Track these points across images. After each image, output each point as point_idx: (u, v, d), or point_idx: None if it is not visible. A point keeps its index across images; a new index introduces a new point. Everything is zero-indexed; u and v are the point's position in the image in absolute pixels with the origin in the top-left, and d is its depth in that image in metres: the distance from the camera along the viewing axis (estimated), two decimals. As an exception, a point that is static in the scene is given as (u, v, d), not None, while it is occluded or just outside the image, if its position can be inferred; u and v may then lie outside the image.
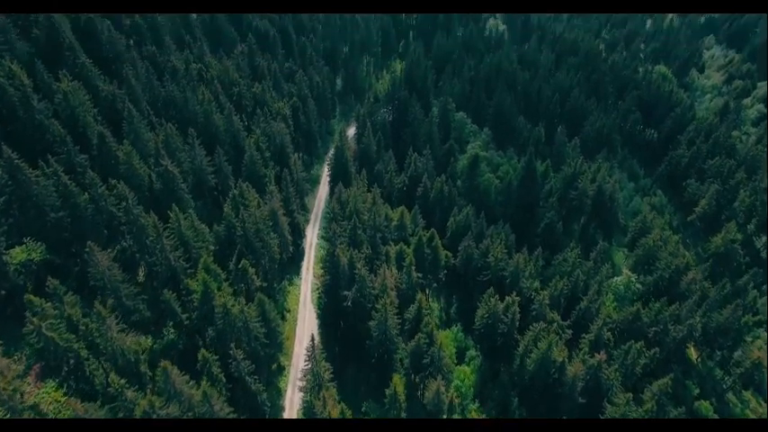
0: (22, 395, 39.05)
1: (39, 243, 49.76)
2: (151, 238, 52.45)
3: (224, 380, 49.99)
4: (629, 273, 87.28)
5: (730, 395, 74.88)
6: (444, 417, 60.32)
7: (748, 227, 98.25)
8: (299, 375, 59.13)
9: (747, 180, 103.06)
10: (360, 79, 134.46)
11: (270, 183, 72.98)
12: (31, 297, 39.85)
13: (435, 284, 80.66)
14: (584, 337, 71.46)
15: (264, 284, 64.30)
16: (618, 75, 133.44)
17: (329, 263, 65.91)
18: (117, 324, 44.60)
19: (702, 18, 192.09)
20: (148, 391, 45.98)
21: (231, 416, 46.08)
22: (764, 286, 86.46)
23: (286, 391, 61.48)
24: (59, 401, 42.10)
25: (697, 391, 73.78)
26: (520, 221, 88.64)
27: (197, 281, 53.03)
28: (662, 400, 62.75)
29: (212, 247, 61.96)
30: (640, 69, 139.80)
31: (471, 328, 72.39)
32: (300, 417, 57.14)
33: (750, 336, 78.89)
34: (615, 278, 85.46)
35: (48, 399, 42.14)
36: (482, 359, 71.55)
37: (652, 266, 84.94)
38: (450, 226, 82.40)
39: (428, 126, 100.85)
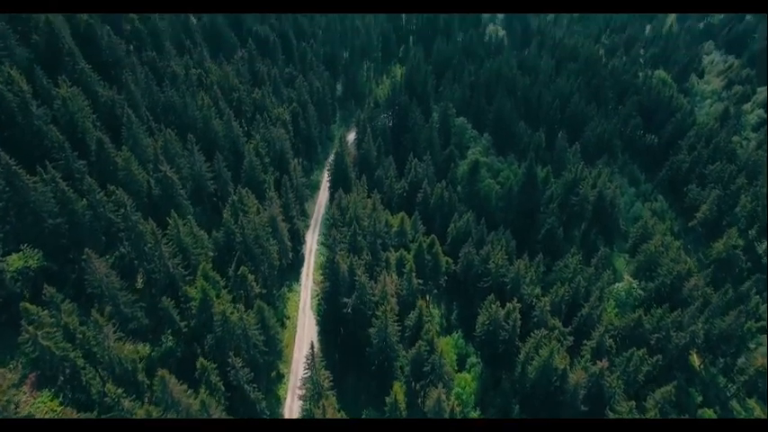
0: (16, 405, 38.53)
1: (36, 250, 49.27)
2: (149, 245, 52.01)
3: (222, 388, 49.38)
4: (631, 279, 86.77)
5: (734, 403, 74.22)
6: (445, 425, 59.54)
7: (750, 232, 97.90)
8: (299, 384, 58.50)
9: (748, 185, 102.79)
10: (360, 84, 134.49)
11: (269, 189, 72.62)
12: (27, 305, 39.32)
13: (436, 291, 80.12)
14: (585, 344, 70.93)
15: (264, 291, 63.76)
16: (618, 80, 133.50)
17: (329, 269, 65.42)
18: (114, 332, 44.06)
19: (701, 24, 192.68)
20: (146, 400, 45.41)
21: (229, 425, 45.37)
22: (765, 293, 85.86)
23: (285, 398, 60.84)
24: (55, 411, 41.50)
25: (700, 398, 73.17)
26: (520, 227, 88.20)
27: (196, 288, 52.58)
28: (665, 407, 62.25)
29: (211, 254, 61.49)
30: (640, 74, 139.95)
31: (472, 335, 71.75)
32: (300, 425, 56.42)
33: (753, 342, 78.20)
34: (616, 284, 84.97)
35: (43, 408, 41.53)
36: (483, 366, 70.88)
37: (653, 272, 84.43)
38: (451, 232, 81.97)
39: (428, 131, 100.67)
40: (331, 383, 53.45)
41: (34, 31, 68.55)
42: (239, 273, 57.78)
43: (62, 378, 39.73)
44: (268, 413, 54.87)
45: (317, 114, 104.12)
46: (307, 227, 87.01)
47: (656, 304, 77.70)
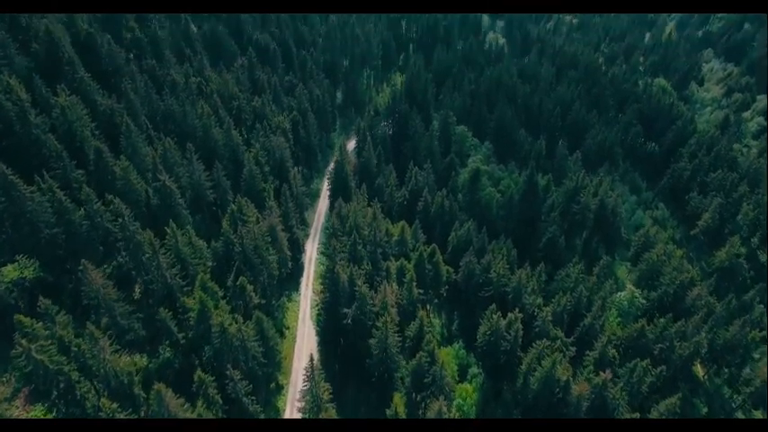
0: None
1: (32, 260, 48.72)
2: (147, 255, 51.46)
3: (220, 401, 48.65)
4: (633, 288, 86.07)
5: (739, 414, 73.15)
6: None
7: (752, 240, 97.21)
8: (298, 396, 57.68)
9: (750, 193, 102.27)
10: (360, 92, 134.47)
11: (269, 198, 72.16)
12: (21, 317, 38.66)
13: (436, 300, 79.48)
14: (588, 355, 70.18)
15: (263, 301, 63.12)
16: (618, 88, 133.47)
17: (329, 280, 64.79)
18: (111, 345, 43.35)
19: (700, 32, 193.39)
20: (142, 413, 44.65)
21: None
22: (764, 303, 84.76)
23: (284, 410, 59.96)
24: (49, 426, 40.63)
25: (705, 409, 72.21)
26: (522, 236, 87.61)
27: (194, 299, 51.97)
28: (670, 419, 61.25)
29: (210, 264, 60.94)
30: (640, 82, 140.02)
31: (473, 345, 71.00)
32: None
33: (758, 352, 77.28)
34: (619, 293, 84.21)
35: (37, 423, 40.66)
36: (484, 377, 70.06)
37: (656, 281, 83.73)
38: (452, 241, 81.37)
39: (429, 139, 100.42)
40: (330, 395, 52.65)
41: (34, 39, 68.48)
42: (238, 283, 57.19)
43: (56, 392, 38.98)
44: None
45: (317, 122, 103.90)
46: (306, 236, 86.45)
47: (659, 314, 76.94)
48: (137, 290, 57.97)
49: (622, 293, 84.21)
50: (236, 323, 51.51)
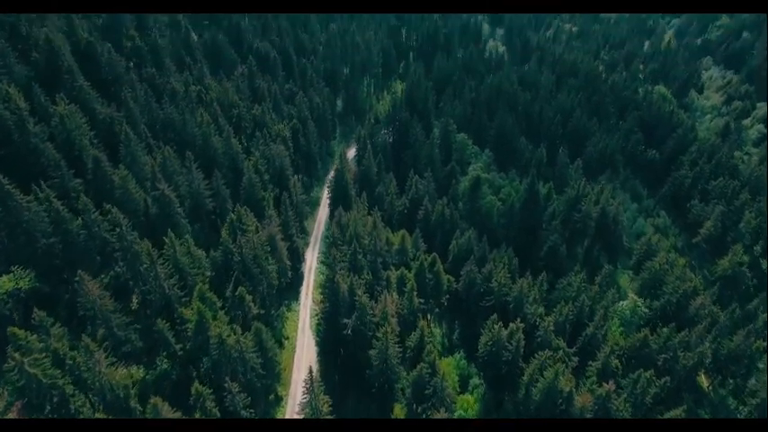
0: (2, 434, 36.88)
1: (27, 271, 48.13)
2: (145, 266, 50.88)
3: (218, 414, 47.79)
4: (635, 297, 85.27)
5: (744, 426, 72.15)
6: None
7: (755, 249, 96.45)
8: (297, 408, 56.78)
9: (752, 201, 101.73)
10: (360, 100, 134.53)
11: (268, 206, 71.68)
12: (15, 330, 38.01)
13: (437, 310, 78.76)
14: (590, 365, 69.36)
15: (262, 312, 62.48)
16: (618, 96, 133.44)
17: (329, 290, 64.13)
18: (107, 357, 42.69)
19: (699, 40, 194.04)
20: (138, 427, 43.77)
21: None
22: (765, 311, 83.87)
23: (283, 423, 59.06)
24: (43, 440, 39.84)
25: (710, 421, 71.14)
26: (523, 245, 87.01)
27: (192, 309, 51.33)
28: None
29: (208, 274, 60.39)
30: (640, 90, 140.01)
31: (474, 355, 70.21)
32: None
33: (762, 362, 76.35)
34: (621, 302, 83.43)
35: (31, 437, 39.85)
36: (486, 388, 69.16)
37: (658, 290, 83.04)
38: (452, 250, 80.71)
39: (429, 148, 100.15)
40: (330, 408, 51.80)
41: (34, 48, 68.48)
42: (237, 293, 56.56)
43: (50, 406, 38.22)
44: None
45: (317, 130, 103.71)
46: (306, 244, 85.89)
47: (662, 323, 76.18)
48: (134, 300, 57.37)
49: (625, 303, 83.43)
50: (235, 334, 50.87)
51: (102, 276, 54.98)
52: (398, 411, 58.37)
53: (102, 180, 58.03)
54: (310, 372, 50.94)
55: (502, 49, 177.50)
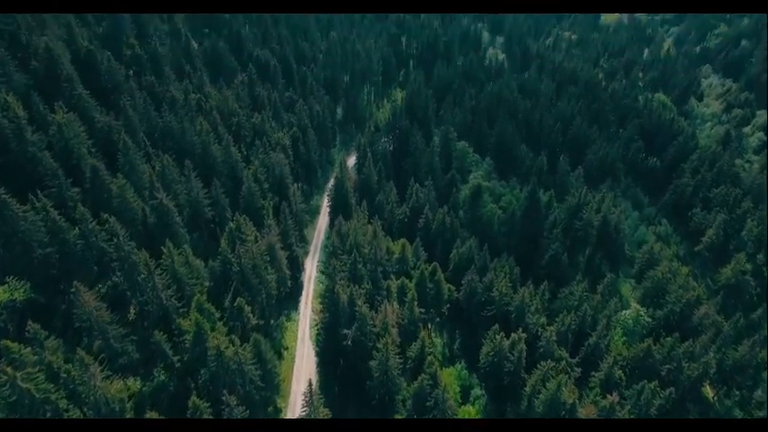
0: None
1: (23, 282, 47.46)
2: (142, 276, 50.23)
3: (215, 427, 46.90)
4: (638, 306, 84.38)
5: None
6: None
7: (758, 257, 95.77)
8: (296, 421, 55.89)
9: (754, 209, 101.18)
10: (360, 108, 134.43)
11: (268, 215, 71.15)
12: (9, 342, 37.25)
13: (438, 319, 77.96)
14: (593, 376, 68.55)
15: (261, 322, 61.71)
16: (618, 103, 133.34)
17: (329, 300, 63.43)
18: (102, 370, 41.90)
19: (698, 48, 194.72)
20: (134, 441, 42.88)
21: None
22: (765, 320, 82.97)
23: (282, 436, 58.05)
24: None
25: (715, 433, 69.99)
26: (524, 253, 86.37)
27: (190, 320, 50.62)
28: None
29: (207, 284, 59.75)
30: (640, 98, 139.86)
31: (476, 366, 69.35)
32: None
33: None
34: (623, 311, 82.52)
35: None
36: (487, 399, 68.23)
37: (661, 300, 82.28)
38: (453, 258, 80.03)
39: (429, 156, 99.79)
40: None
41: (33, 56, 68.30)
42: (235, 304, 55.88)
43: (43, 421, 37.40)
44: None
45: (317, 138, 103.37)
46: (306, 253, 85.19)
47: (665, 333, 75.38)
48: (131, 311, 56.61)
49: (627, 312, 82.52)
50: (233, 346, 50.08)
51: (100, 286, 54.29)
52: (399, 423, 57.46)
53: (100, 189, 57.51)
54: (309, 384, 50.18)
55: (502, 56, 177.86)
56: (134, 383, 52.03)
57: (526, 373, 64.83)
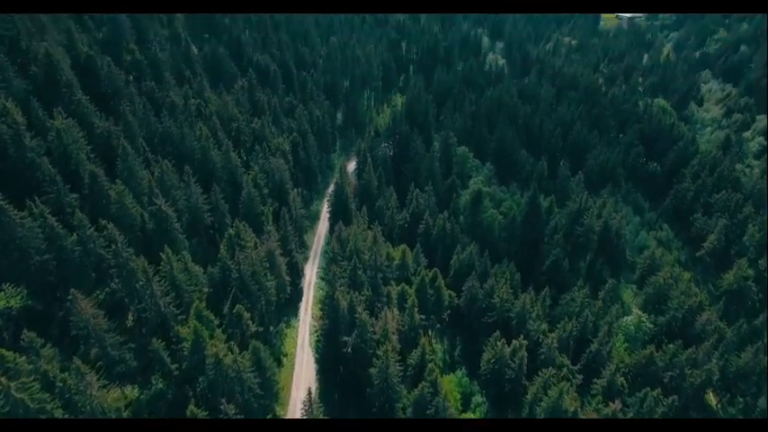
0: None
1: (19, 288, 47.00)
2: (141, 283, 49.76)
3: (213, 437, 46.30)
4: (640, 312, 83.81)
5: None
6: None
7: (759, 262, 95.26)
8: (295, 429, 55.20)
9: (755, 214, 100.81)
10: (360, 113, 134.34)
11: (267, 221, 70.78)
12: (4, 351, 36.75)
13: (438, 325, 77.35)
14: (595, 383, 67.87)
15: (260, 329, 61.14)
16: (618, 108, 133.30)
17: (329, 307, 62.84)
18: (99, 379, 41.38)
19: (697, 53, 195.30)
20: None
21: (220, 480, 42.22)
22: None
23: (281, 444, 57.40)
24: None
25: (718, 441, 69.27)
26: (525, 259, 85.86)
27: (188, 328, 50.09)
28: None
29: (206, 290, 59.26)
30: (640, 103, 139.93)
31: (476, 372, 68.75)
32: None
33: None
34: (625, 318, 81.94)
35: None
36: (488, 406, 67.50)
37: (663, 306, 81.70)
38: (454, 264, 79.50)
39: (430, 161, 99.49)
40: (329, 430, 50.31)
41: (33, 62, 68.20)
42: (234, 311, 55.40)
43: None
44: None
45: (317, 144, 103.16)
46: (306, 259, 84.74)
47: (667, 339, 74.79)
48: (129, 318, 56.16)
49: (629, 318, 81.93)
50: (232, 353, 49.56)
51: (97, 293, 53.89)
52: (399, 431, 56.75)
53: (99, 195, 57.18)
54: (309, 392, 49.65)
55: (502, 62, 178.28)
56: (132, 391, 51.46)
57: (527, 381, 64.25)
